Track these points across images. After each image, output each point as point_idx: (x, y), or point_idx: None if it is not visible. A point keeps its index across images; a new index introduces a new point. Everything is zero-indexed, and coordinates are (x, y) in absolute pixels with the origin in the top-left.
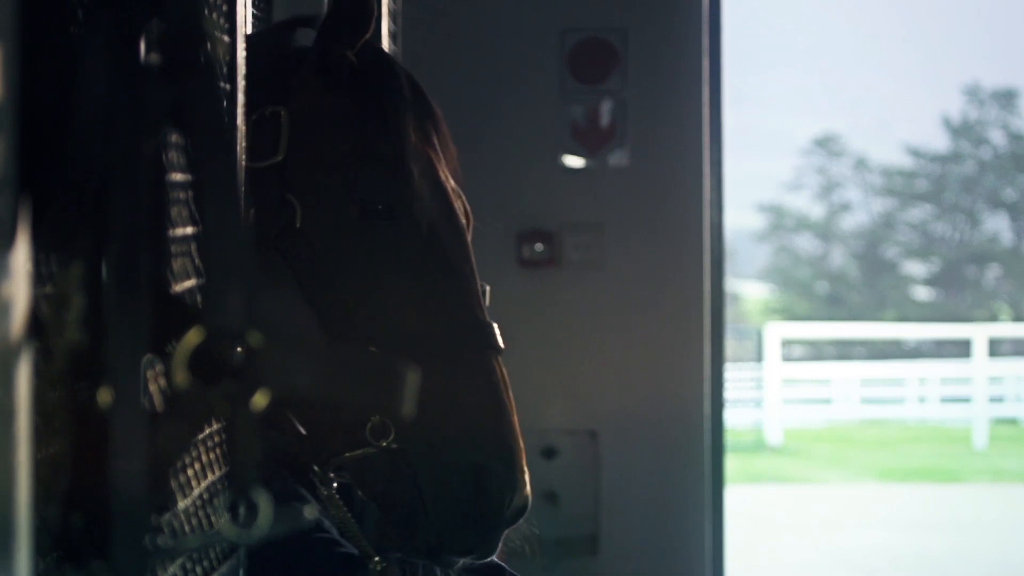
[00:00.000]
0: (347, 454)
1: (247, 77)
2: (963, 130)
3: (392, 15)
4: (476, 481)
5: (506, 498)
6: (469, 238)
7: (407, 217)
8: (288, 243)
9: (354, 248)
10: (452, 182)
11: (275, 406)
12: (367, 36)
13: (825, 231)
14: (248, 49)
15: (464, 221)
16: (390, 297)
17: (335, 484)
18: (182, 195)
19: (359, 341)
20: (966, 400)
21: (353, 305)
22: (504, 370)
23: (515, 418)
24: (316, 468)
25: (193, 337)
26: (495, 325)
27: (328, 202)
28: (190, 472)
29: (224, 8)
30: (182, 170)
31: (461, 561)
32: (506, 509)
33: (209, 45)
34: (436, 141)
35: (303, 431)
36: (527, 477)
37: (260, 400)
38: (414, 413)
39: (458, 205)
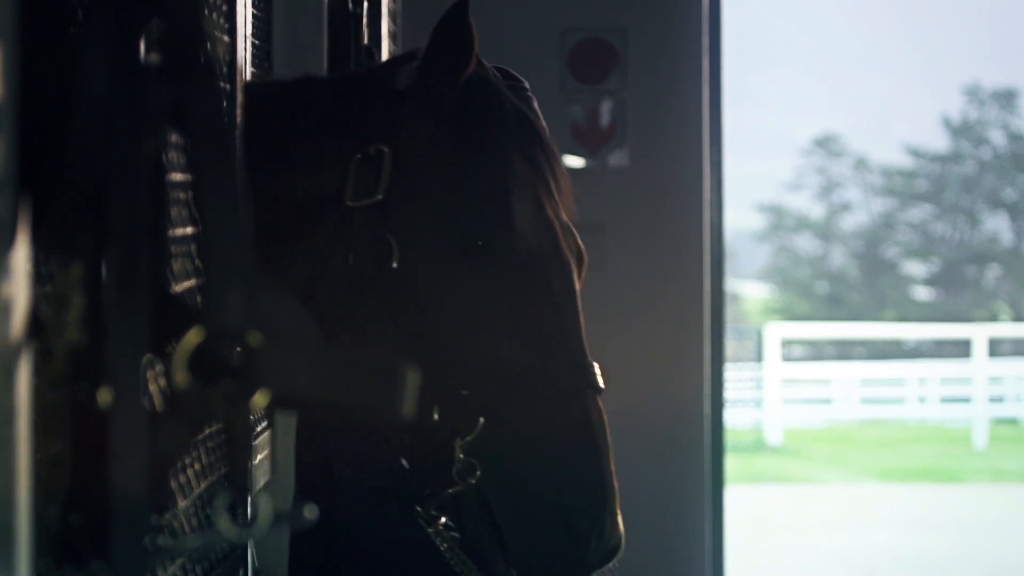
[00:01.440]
0: (449, 490)
1: (352, 117)
2: (963, 130)
3: (392, 15)
4: (564, 523)
5: (593, 541)
6: (580, 273)
7: (508, 252)
8: (384, 283)
9: (453, 285)
10: (563, 216)
11: (382, 440)
12: (469, 70)
13: (825, 231)
14: (352, 88)
15: (573, 256)
16: (488, 334)
17: (441, 522)
18: (182, 195)
19: (455, 379)
20: (966, 400)
21: (450, 343)
22: (603, 409)
23: (611, 460)
24: (419, 508)
25: (193, 337)
26: (596, 364)
27: (427, 239)
28: (190, 472)
29: (224, 8)
30: (182, 170)
31: None
32: (593, 552)
33: (209, 45)
34: (547, 174)
35: (407, 465)
36: (620, 520)
37: (260, 400)
38: (507, 452)
39: (566, 240)
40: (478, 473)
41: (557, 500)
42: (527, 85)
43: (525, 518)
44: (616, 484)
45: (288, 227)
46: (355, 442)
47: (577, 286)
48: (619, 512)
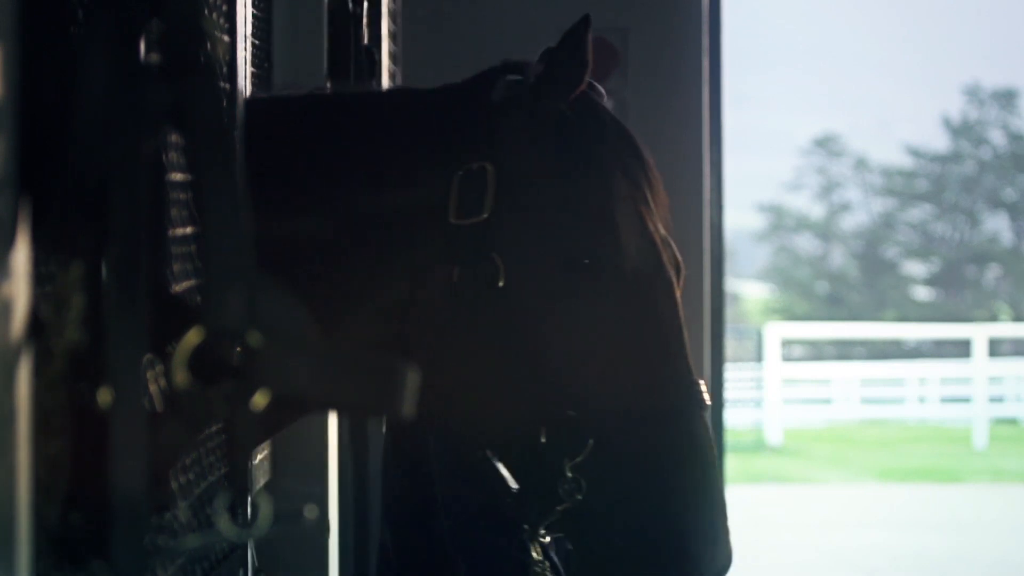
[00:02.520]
0: (559, 507)
1: (451, 132)
2: (963, 130)
3: (392, 15)
4: (679, 543)
5: (706, 560)
6: (679, 288)
7: (615, 271)
8: (490, 302)
9: (560, 305)
10: (662, 231)
11: (483, 460)
12: (583, 87)
13: (825, 231)
14: (446, 101)
15: (673, 271)
16: (596, 354)
17: (546, 539)
18: (182, 195)
19: (563, 400)
20: (966, 400)
21: (557, 363)
22: (709, 426)
23: (721, 474)
24: (526, 526)
25: (193, 337)
26: (701, 382)
27: (534, 258)
28: (190, 472)
29: (224, 8)
30: (182, 170)
31: None
32: (706, 571)
33: (209, 45)
34: (646, 189)
35: (514, 485)
36: (730, 536)
37: (260, 400)
38: (618, 472)
39: (666, 256)
40: (584, 492)
41: (671, 520)
42: (598, 85)
43: (637, 538)
44: (726, 498)
45: (382, 241)
46: (459, 460)
47: (679, 302)
48: (729, 529)
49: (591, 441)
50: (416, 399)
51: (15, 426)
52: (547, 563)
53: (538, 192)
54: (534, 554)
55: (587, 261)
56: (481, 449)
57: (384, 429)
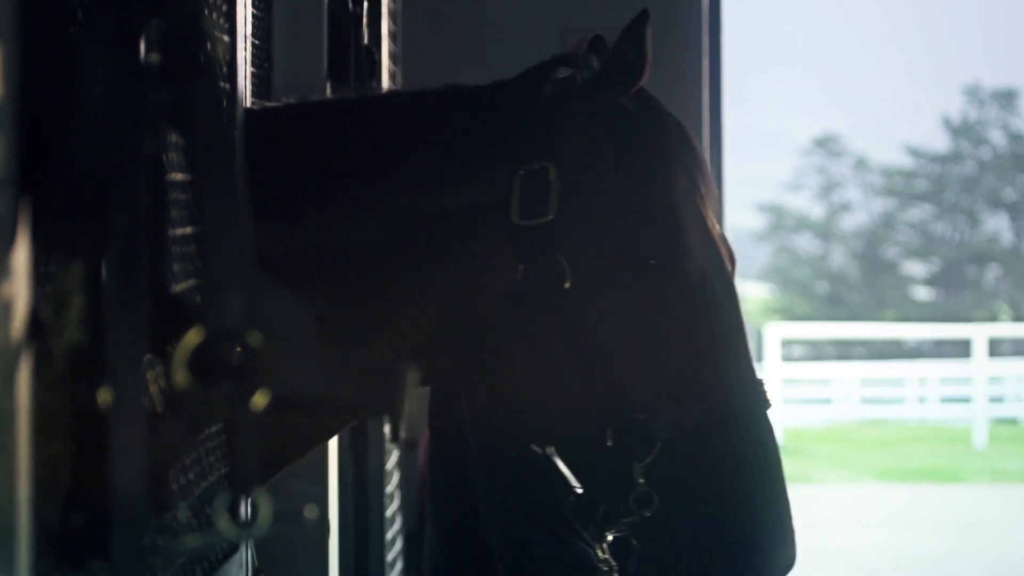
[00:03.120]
0: (625, 519)
1: (507, 131)
2: (963, 130)
3: (392, 15)
4: (748, 543)
5: (774, 560)
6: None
7: (680, 271)
8: (554, 304)
9: (626, 306)
10: (718, 227)
11: (544, 462)
12: (642, 83)
13: (825, 231)
14: (499, 99)
15: (731, 266)
16: (662, 355)
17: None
18: (182, 195)
19: (627, 401)
20: (966, 400)
21: (624, 365)
22: (773, 427)
23: (785, 474)
24: (594, 527)
25: (193, 337)
26: (764, 382)
27: (600, 260)
28: (190, 473)
29: (224, 8)
30: (182, 170)
31: None
32: (775, 569)
33: (209, 45)
34: (702, 184)
35: (579, 489)
36: (796, 537)
37: (260, 400)
38: (687, 475)
39: (725, 252)
40: (654, 496)
41: (741, 522)
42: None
43: (706, 539)
44: (791, 498)
45: (443, 242)
46: (514, 460)
47: (740, 299)
48: (795, 529)
49: (659, 444)
50: (468, 398)
51: (15, 426)
52: (613, 563)
53: (602, 190)
54: (600, 553)
55: (653, 261)
56: (542, 449)
57: (427, 432)
